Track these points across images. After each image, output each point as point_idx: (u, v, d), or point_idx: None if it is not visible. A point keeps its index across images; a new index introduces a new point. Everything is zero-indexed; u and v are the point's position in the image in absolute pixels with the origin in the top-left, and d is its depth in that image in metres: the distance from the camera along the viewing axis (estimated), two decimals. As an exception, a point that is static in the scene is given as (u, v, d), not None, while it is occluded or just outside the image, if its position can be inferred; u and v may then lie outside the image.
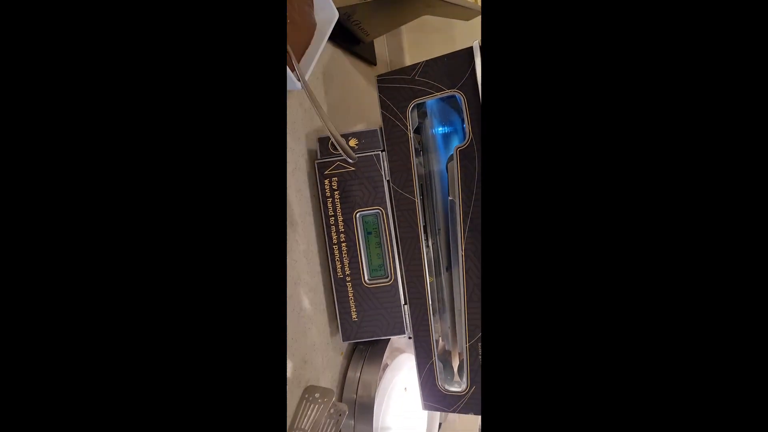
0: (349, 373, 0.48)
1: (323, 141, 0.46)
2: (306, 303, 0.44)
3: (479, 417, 0.47)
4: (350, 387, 0.47)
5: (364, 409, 0.45)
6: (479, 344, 0.43)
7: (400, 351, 0.53)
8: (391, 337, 0.49)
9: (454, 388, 0.45)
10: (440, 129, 0.48)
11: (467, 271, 0.43)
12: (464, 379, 0.44)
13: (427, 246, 0.46)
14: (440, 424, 0.67)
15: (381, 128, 0.46)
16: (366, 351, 0.49)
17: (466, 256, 0.42)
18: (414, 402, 0.53)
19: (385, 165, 0.45)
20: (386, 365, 0.49)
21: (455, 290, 0.45)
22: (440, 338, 0.48)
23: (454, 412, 0.44)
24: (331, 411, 0.40)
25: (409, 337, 0.47)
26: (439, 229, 0.46)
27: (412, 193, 0.44)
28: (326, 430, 0.39)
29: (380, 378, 0.47)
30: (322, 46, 0.41)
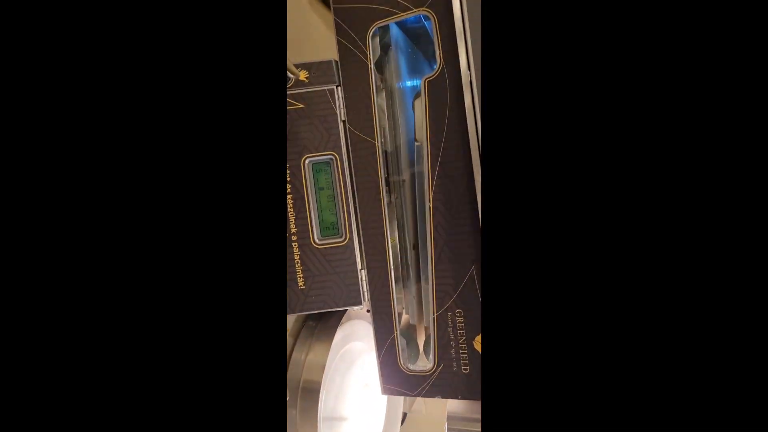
0: (295, 355, 0.40)
1: (266, 71, 0.38)
2: (241, 265, 0.36)
3: (447, 402, 0.40)
4: (294, 371, 0.39)
5: (308, 395, 0.37)
6: (449, 314, 0.36)
7: (359, 323, 0.46)
8: (347, 310, 0.42)
9: (419, 368, 0.38)
10: (405, 58, 0.41)
11: (435, 228, 0.36)
12: (431, 357, 0.37)
13: (390, 201, 0.39)
14: (405, 415, 0.60)
15: (336, 60, 0.38)
16: (315, 327, 0.41)
17: (435, 209, 0.36)
18: (372, 387, 0.45)
19: (340, 102, 0.38)
20: (340, 343, 0.42)
21: (421, 252, 0.39)
22: (404, 310, 0.41)
23: (419, 395, 0.37)
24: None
25: (368, 310, 0.40)
26: (403, 180, 0.39)
27: (371, 135, 0.37)
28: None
29: (330, 360, 0.40)
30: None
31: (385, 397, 0.50)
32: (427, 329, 0.39)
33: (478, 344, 0.35)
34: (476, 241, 0.34)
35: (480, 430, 0.38)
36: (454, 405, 0.40)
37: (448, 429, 0.39)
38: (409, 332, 0.40)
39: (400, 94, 0.40)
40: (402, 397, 0.56)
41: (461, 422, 0.39)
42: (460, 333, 0.36)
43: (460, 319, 0.36)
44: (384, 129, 0.38)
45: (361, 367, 0.45)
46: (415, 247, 0.40)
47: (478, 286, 0.35)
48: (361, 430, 0.47)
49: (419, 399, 0.63)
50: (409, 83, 0.41)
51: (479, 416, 0.39)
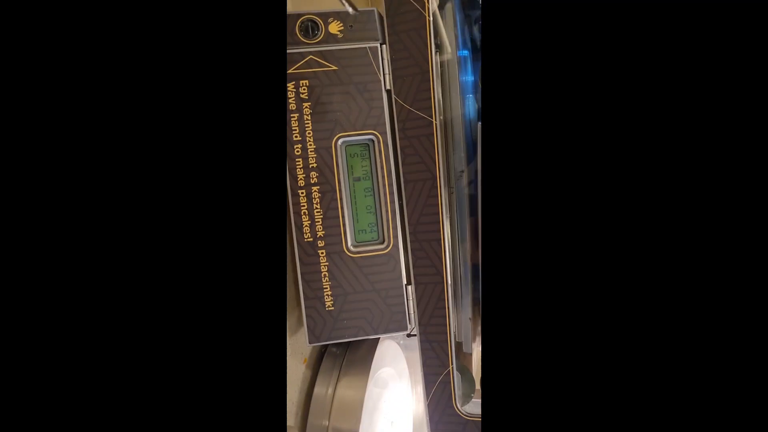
0: (317, 390, 0.31)
1: (290, 20, 0.29)
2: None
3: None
4: (319, 411, 0.30)
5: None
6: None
7: (387, 343, 0.37)
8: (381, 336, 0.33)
9: (478, 411, 0.30)
10: (460, 15, 0.32)
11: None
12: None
13: (449, 195, 0.30)
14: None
15: (379, 10, 0.29)
16: (341, 356, 0.32)
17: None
18: (398, 426, 0.37)
19: (385, 65, 0.29)
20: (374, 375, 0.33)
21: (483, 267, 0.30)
22: (455, 335, 0.32)
23: (481, 448, 0.29)
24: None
25: (408, 335, 0.31)
26: (461, 171, 0.31)
27: (428, 111, 0.28)
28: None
29: (368, 398, 0.31)
30: None
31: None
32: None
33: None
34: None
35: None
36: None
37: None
38: (464, 363, 0.32)
39: (465, 56, 0.31)
40: None
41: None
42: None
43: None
44: (442, 103, 0.29)
45: (387, 399, 0.37)
46: (475, 268, 0.31)
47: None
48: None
49: None
50: (465, 53, 0.32)
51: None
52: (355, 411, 0.29)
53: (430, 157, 0.29)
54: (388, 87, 0.29)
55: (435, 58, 0.28)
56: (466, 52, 0.32)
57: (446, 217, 0.29)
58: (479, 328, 0.32)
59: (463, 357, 0.32)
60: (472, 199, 0.31)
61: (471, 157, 0.31)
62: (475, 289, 0.31)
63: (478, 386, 0.32)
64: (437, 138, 0.28)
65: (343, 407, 0.30)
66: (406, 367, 0.39)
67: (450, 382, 0.30)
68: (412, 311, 0.30)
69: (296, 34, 0.29)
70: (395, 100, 0.29)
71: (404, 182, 0.29)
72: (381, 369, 0.35)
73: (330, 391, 0.31)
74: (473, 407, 0.30)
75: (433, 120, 0.28)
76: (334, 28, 0.29)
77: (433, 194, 0.29)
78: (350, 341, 0.32)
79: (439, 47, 0.30)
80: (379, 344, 0.34)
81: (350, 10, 0.27)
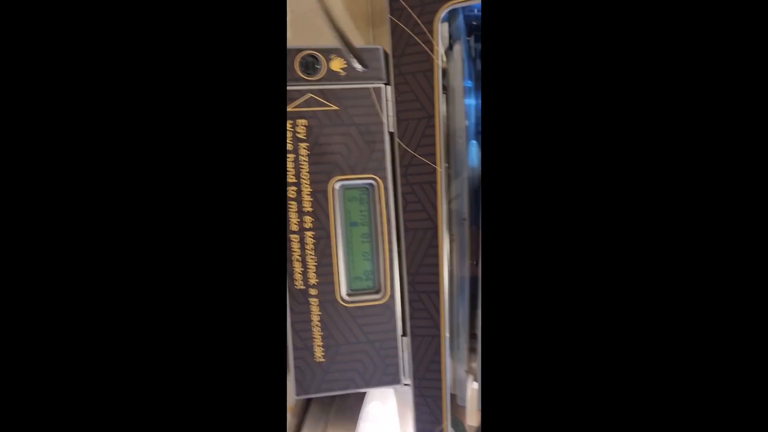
0: (303, 442, 0.30)
1: (290, 55, 0.27)
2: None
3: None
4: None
5: None
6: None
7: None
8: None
9: (471, 467, 0.29)
10: (467, 58, 0.31)
11: (517, 290, 0.26)
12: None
13: (450, 243, 0.29)
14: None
15: (385, 49, 0.28)
16: (330, 405, 0.31)
17: (518, 264, 0.26)
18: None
19: (388, 107, 0.28)
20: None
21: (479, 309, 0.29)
22: (451, 387, 0.31)
23: None
24: None
25: (405, 384, 0.30)
26: (464, 219, 0.29)
27: (432, 157, 0.27)
28: None
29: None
30: None
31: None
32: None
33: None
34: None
35: None
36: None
37: None
38: (458, 417, 0.31)
39: (471, 98, 0.30)
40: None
41: None
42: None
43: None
44: (448, 148, 0.28)
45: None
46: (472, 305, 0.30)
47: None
48: None
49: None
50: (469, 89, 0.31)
51: None
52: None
53: (432, 205, 0.27)
54: (391, 129, 0.28)
55: (439, 102, 0.27)
56: (470, 83, 0.31)
57: (445, 268, 0.28)
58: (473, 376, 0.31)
59: (456, 409, 0.31)
60: (474, 247, 0.30)
61: (475, 196, 0.29)
62: (472, 339, 0.30)
63: (470, 440, 0.31)
64: (440, 186, 0.27)
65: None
66: (395, 402, 0.38)
67: (443, 439, 0.28)
68: (406, 364, 0.29)
69: (295, 70, 0.27)
70: (398, 143, 0.27)
71: (404, 230, 0.28)
72: (369, 403, 0.34)
73: (317, 442, 0.29)
74: (465, 463, 0.29)
75: (437, 167, 0.27)
76: (336, 65, 0.27)
77: (434, 244, 0.28)
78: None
79: (447, 90, 0.28)
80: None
81: (359, 67, 0.26)
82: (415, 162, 0.27)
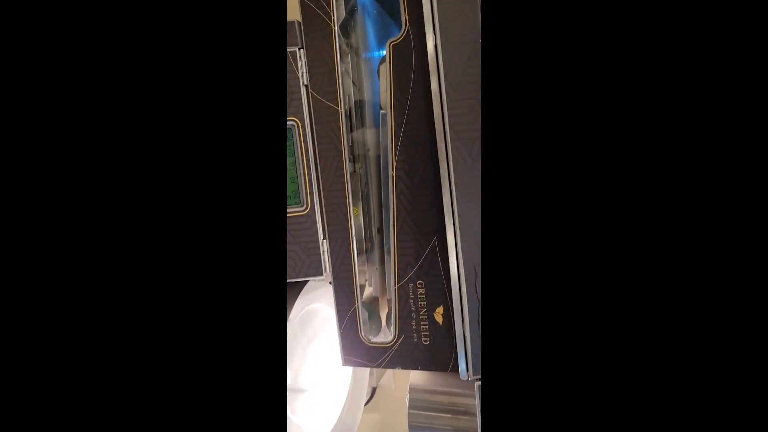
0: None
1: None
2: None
3: (410, 374, 0.40)
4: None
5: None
6: (410, 286, 0.36)
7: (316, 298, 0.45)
8: (308, 281, 0.41)
9: (380, 339, 0.38)
10: (373, 22, 0.39)
11: (398, 196, 0.35)
12: (392, 328, 0.37)
13: (354, 170, 0.38)
14: (374, 390, 0.60)
15: (299, 21, 0.37)
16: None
17: (398, 177, 0.35)
18: (333, 358, 0.45)
19: (303, 66, 0.37)
20: (299, 315, 0.41)
21: (385, 223, 0.38)
22: (367, 283, 0.40)
23: (378, 366, 0.37)
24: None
25: (330, 282, 0.39)
26: (368, 149, 0.38)
27: (335, 101, 0.36)
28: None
29: (289, 329, 0.39)
30: None
31: (350, 370, 0.50)
32: (389, 302, 0.39)
33: (438, 316, 0.35)
34: (439, 212, 0.33)
35: (440, 399, 0.38)
36: (417, 377, 0.40)
37: (410, 400, 0.39)
38: (372, 305, 0.40)
39: (367, 60, 0.38)
40: (368, 372, 0.56)
41: (423, 393, 0.39)
42: (421, 305, 0.36)
43: (421, 291, 0.36)
44: (349, 96, 0.37)
45: (326, 338, 0.45)
46: (380, 230, 0.39)
47: (439, 257, 0.34)
48: (321, 403, 0.46)
49: (388, 374, 0.63)
50: (376, 53, 0.40)
51: (441, 388, 0.39)
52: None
53: (338, 139, 0.36)
54: (305, 82, 0.37)
55: (339, 61, 0.36)
56: (375, 54, 0.40)
57: (350, 186, 0.36)
58: (386, 278, 0.39)
59: (373, 300, 0.40)
60: (378, 172, 0.38)
61: (377, 134, 0.38)
62: (381, 247, 0.39)
63: (383, 323, 0.40)
64: (342, 124, 0.36)
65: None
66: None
67: (356, 317, 0.38)
68: (326, 261, 0.38)
69: (233, 42, 0.36)
70: (311, 93, 0.36)
71: (319, 158, 0.37)
72: (316, 312, 0.43)
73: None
74: (376, 337, 0.38)
75: (339, 109, 0.36)
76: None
77: (340, 168, 0.36)
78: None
79: (351, 46, 0.37)
80: (314, 293, 0.42)
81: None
82: (324, 107, 0.36)
